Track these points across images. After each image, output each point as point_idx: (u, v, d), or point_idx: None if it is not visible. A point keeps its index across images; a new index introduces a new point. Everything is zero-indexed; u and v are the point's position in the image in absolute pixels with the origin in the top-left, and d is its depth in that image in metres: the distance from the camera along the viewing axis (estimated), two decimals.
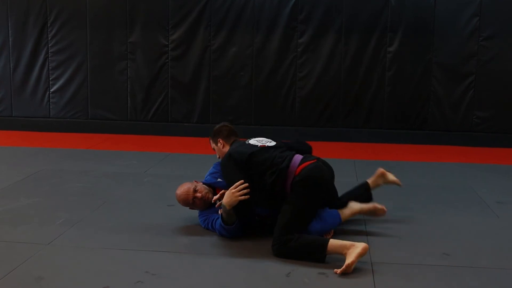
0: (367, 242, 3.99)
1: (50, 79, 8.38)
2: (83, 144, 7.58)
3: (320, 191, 3.98)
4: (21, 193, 5.15)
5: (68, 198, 5.04)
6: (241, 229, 4.04)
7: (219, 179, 4.28)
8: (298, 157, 4.07)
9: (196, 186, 4.17)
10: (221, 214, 3.95)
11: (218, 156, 4.48)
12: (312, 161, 4.05)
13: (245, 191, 3.87)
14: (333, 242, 3.67)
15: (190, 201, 4.16)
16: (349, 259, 3.51)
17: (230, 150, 4.19)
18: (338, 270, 3.50)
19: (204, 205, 4.18)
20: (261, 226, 4.14)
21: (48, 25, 8.28)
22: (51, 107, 8.44)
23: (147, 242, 4.01)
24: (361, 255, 3.55)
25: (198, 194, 4.13)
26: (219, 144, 4.42)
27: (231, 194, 3.87)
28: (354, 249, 3.56)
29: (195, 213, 4.34)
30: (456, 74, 7.70)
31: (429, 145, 7.68)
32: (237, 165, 4.02)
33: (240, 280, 3.45)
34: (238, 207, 3.90)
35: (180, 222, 4.37)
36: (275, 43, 7.94)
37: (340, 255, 3.61)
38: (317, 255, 3.69)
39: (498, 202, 5.07)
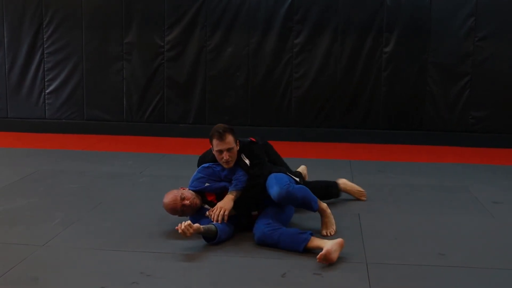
0: (362, 242, 4.03)
1: (46, 80, 8.37)
2: (79, 145, 7.58)
3: None
4: (17, 194, 5.15)
5: (64, 199, 5.03)
6: (228, 234, 4.06)
7: (207, 184, 4.24)
8: None
9: (182, 194, 4.13)
10: (202, 233, 3.93)
11: (226, 159, 4.16)
12: None
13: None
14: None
15: (178, 210, 4.12)
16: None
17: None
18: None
19: (193, 211, 4.16)
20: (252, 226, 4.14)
21: (44, 25, 8.26)
22: (46, 108, 8.42)
23: (143, 242, 4.01)
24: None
25: (186, 202, 4.10)
26: (237, 146, 4.25)
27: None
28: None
29: None
30: (452, 74, 7.71)
31: (425, 145, 7.69)
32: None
33: (236, 280, 3.44)
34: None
35: (175, 223, 4.34)
36: (271, 43, 7.94)
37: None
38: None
39: (493, 202, 5.08)
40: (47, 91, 8.40)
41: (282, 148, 7.27)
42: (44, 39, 8.29)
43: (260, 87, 8.04)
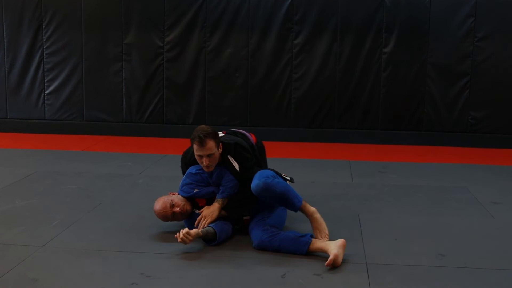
0: (362, 243, 4.02)
1: (45, 80, 8.37)
2: (78, 146, 7.57)
3: None
4: (16, 195, 5.14)
5: (63, 200, 5.03)
6: (227, 233, 4.05)
7: (196, 190, 4.19)
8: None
9: (172, 201, 4.10)
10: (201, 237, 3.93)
11: (206, 164, 4.02)
12: None
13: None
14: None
15: (169, 217, 4.11)
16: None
17: (241, 142, 4.26)
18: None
19: (184, 217, 4.14)
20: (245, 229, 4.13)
21: (43, 26, 8.26)
22: (46, 108, 8.42)
23: (142, 243, 4.00)
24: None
25: (177, 209, 4.08)
26: (219, 149, 4.14)
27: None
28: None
29: None
30: (451, 75, 7.71)
31: (424, 146, 7.69)
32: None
33: (235, 281, 3.44)
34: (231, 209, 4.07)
35: (175, 224, 4.36)
36: (271, 44, 7.94)
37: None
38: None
39: (493, 202, 5.07)
40: (46, 91, 8.39)
41: (282, 148, 7.33)
42: (44, 40, 8.29)
43: (260, 87, 8.03)
